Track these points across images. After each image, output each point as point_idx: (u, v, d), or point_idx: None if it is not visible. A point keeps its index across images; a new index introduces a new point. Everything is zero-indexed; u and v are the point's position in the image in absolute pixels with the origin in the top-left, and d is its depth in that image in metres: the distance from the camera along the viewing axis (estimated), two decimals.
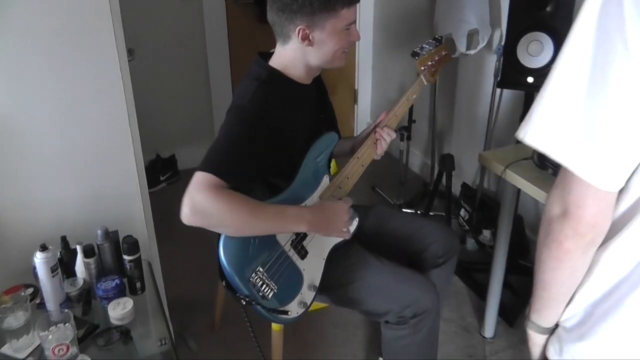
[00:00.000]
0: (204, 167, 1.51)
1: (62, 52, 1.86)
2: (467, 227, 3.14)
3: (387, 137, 1.88)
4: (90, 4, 1.84)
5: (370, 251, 1.88)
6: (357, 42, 1.96)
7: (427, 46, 2.02)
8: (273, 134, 1.61)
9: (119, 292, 1.79)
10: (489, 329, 2.52)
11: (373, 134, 1.88)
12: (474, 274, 2.89)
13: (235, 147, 1.55)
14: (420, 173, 3.95)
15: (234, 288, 1.58)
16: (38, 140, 1.92)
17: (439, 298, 1.86)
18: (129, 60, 2.03)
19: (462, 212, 3.18)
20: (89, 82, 1.93)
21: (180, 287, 2.77)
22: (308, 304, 1.68)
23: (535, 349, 1.13)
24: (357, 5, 1.71)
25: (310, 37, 1.66)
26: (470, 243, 3.11)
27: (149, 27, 3.65)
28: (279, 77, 1.72)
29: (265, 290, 1.59)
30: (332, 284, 1.79)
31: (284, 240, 1.68)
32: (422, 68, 1.97)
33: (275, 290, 1.61)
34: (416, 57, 1.99)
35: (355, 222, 1.85)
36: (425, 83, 1.95)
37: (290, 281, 1.66)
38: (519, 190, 2.10)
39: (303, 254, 1.71)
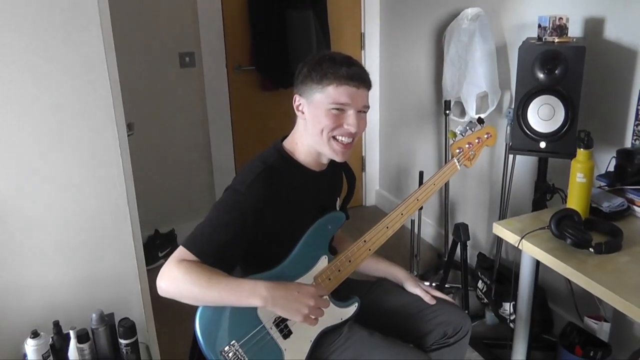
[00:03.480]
0: (186, 244, 1.53)
1: (60, 131, 1.82)
2: (485, 300, 3.01)
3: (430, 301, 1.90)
4: (90, 78, 1.82)
5: (368, 328, 1.77)
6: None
7: (467, 128, 1.92)
8: (266, 226, 1.59)
9: None
10: None
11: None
12: (494, 350, 2.73)
13: (221, 233, 1.53)
14: (434, 244, 3.86)
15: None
16: (29, 222, 1.86)
17: None
18: (128, 135, 1.99)
19: (480, 284, 3.05)
20: (87, 161, 1.88)
21: None
22: None
23: None
24: (360, 90, 1.63)
25: (301, 108, 1.65)
26: (490, 317, 2.97)
27: (148, 97, 3.57)
28: (286, 162, 1.68)
29: None
30: None
31: (267, 317, 1.61)
32: (457, 151, 1.89)
33: None
34: (453, 139, 1.91)
35: (353, 308, 1.78)
36: (459, 167, 1.88)
37: (268, 359, 1.61)
38: (538, 260, 1.99)
39: (286, 333, 1.64)
